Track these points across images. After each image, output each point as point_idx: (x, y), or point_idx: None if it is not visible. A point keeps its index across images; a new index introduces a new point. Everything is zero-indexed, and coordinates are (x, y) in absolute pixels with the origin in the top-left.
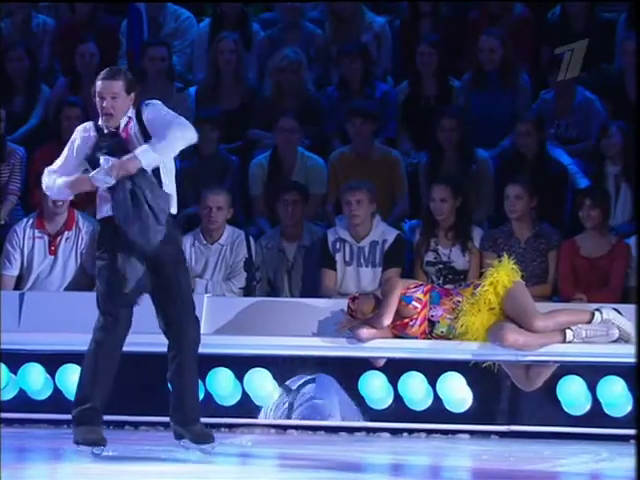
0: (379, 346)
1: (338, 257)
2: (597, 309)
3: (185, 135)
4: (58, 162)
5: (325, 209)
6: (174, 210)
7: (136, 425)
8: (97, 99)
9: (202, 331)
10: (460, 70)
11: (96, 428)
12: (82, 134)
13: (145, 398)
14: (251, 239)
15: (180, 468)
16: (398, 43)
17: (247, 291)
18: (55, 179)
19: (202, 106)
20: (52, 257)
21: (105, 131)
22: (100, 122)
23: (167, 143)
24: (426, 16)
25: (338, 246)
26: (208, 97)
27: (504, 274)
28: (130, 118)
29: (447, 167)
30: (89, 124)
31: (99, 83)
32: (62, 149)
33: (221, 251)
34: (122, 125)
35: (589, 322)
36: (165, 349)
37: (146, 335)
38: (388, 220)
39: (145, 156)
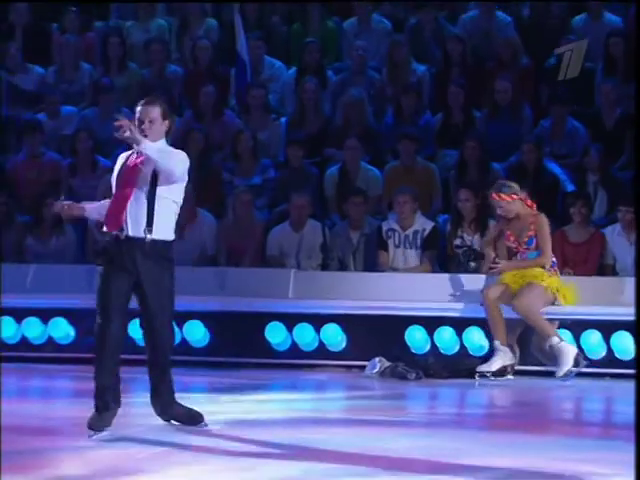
0: (419, 306)
1: (390, 242)
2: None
3: (176, 169)
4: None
5: (381, 207)
6: (170, 237)
7: None
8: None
9: (291, 296)
10: (480, 105)
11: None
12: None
13: None
14: (326, 229)
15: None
16: (435, 84)
17: (323, 267)
18: None
19: (291, 131)
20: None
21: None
22: None
23: (167, 158)
24: (456, 65)
25: (390, 234)
26: (295, 125)
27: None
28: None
29: (470, 176)
30: None
31: (139, 108)
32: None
33: (304, 238)
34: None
35: (548, 336)
36: None
37: None
38: (427, 215)
39: (150, 148)
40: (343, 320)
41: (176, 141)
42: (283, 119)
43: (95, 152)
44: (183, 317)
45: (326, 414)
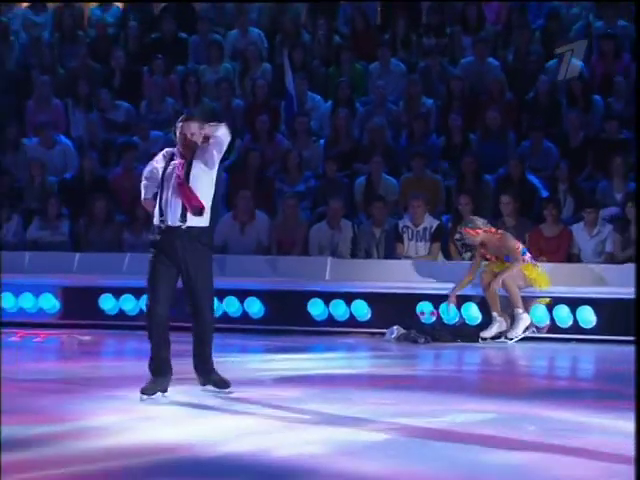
0: (427, 286)
1: (405, 236)
2: (524, 311)
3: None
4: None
5: (398, 209)
6: (205, 223)
7: None
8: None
9: (328, 278)
10: (475, 129)
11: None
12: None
13: None
14: (355, 226)
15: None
16: (440, 114)
17: (352, 256)
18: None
19: (328, 150)
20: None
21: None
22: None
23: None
24: (456, 99)
25: (404, 230)
26: (331, 145)
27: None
28: None
29: (467, 185)
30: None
31: (180, 124)
32: (247, 176)
33: (338, 233)
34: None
35: (515, 305)
36: None
37: None
38: (433, 215)
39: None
40: (368, 297)
41: (238, 158)
42: (322, 140)
43: None
44: (244, 294)
45: (354, 370)
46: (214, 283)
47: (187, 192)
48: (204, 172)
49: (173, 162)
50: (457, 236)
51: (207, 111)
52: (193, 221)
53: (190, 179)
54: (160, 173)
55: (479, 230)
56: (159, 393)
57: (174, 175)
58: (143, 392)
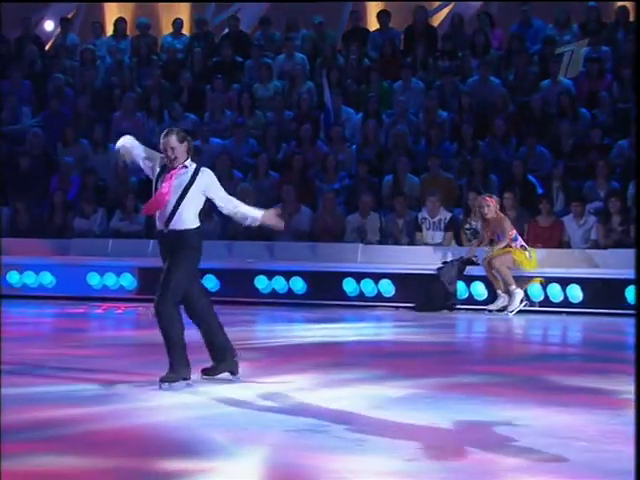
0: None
1: (423, 226)
2: (517, 287)
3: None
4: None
5: (418, 203)
6: (195, 225)
7: None
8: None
9: (359, 260)
10: (483, 137)
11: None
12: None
13: None
14: (382, 217)
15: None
16: (453, 123)
17: (380, 242)
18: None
19: (359, 154)
20: None
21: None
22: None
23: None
24: (466, 111)
25: (423, 221)
26: (362, 149)
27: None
28: (185, 167)
29: (476, 184)
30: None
31: (161, 141)
32: (293, 175)
33: (368, 223)
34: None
35: (510, 283)
36: None
37: None
38: (447, 208)
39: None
40: (393, 276)
41: (285, 161)
42: (354, 146)
43: (232, 168)
44: (289, 274)
45: (381, 337)
46: (186, 279)
47: (156, 197)
48: (196, 194)
49: (166, 172)
50: (467, 226)
51: (258, 122)
52: (175, 225)
53: (184, 191)
54: (157, 173)
55: (494, 201)
56: (182, 381)
57: (171, 181)
58: (163, 381)
